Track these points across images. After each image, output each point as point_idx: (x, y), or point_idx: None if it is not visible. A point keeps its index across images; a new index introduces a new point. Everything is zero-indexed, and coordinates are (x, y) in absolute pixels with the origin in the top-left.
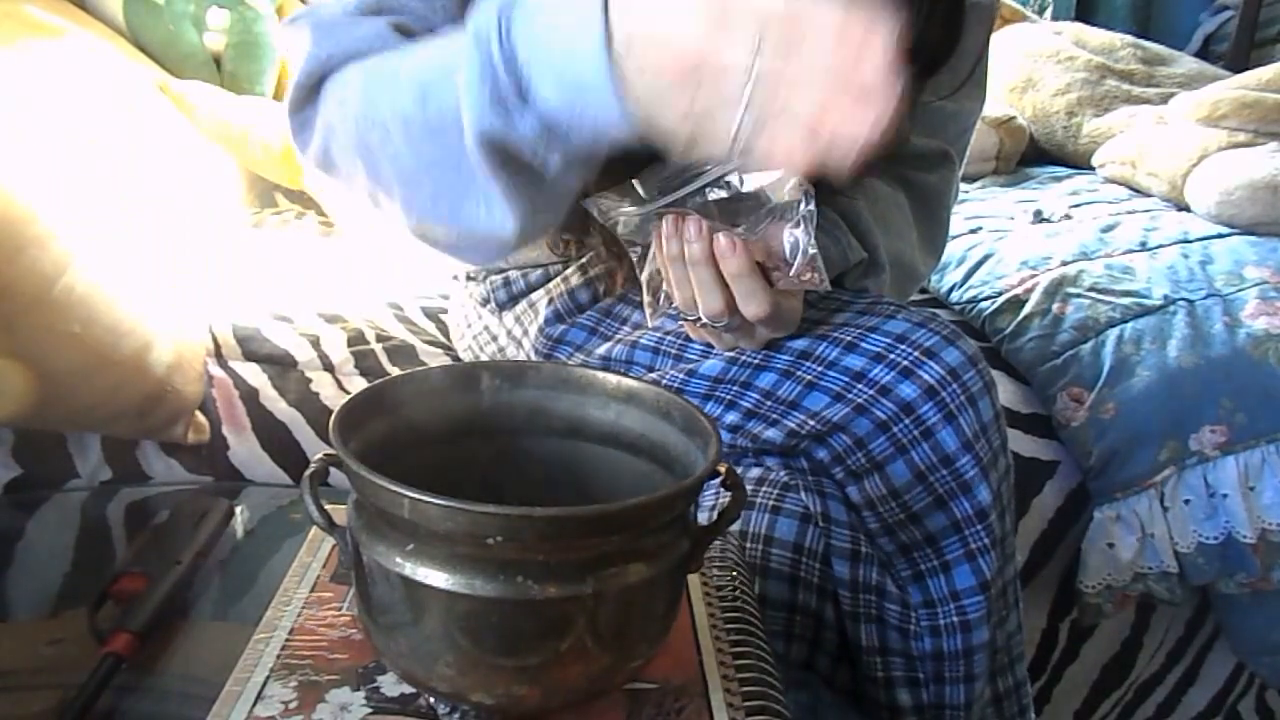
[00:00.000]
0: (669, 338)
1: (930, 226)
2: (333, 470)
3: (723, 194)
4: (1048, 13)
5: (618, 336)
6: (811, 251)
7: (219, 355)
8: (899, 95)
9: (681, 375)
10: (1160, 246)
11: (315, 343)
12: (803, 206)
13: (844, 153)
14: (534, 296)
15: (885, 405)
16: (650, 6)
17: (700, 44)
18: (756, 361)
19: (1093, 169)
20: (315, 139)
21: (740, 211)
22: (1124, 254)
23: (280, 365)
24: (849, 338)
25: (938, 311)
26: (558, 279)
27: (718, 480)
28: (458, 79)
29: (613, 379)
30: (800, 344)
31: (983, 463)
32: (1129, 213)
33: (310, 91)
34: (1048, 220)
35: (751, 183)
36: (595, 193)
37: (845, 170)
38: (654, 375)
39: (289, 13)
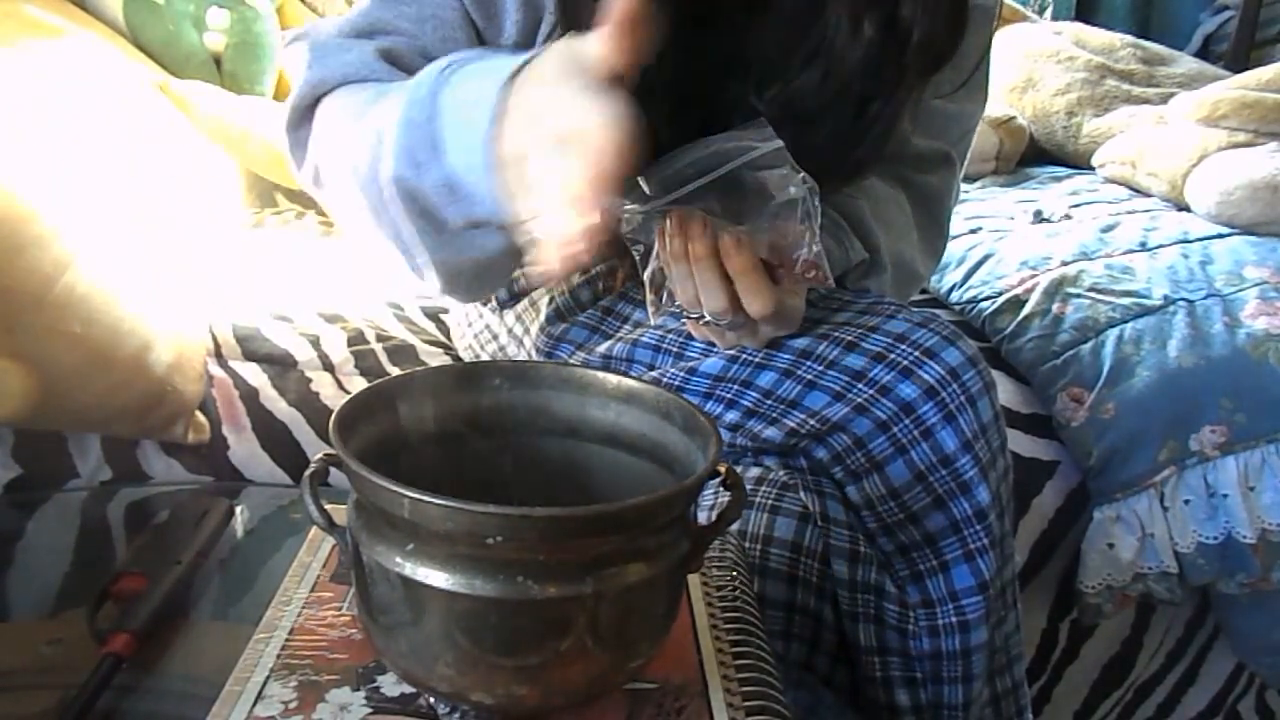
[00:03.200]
0: (670, 336)
1: (930, 228)
2: (333, 470)
3: (728, 191)
4: (1048, 13)
5: (619, 334)
6: (816, 249)
7: (219, 355)
8: (605, 210)
9: (682, 373)
10: (1160, 246)
11: (315, 343)
12: (807, 204)
13: (555, 255)
14: (535, 295)
15: (885, 405)
16: (518, 97)
17: (525, 140)
18: (757, 360)
19: (1093, 169)
20: (308, 159)
21: (745, 209)
22: (1124, 254)
23: (280, 365)
24: (849, 337)
25: (938, 312)
26: None
27: (718, 480)
28: (387, 125)
29: (612, 379)
30: (801, 343)
31: (982, 463)
32: (1129, 213)
33: (305, 113)
34: (1048, 220)
35: (756, 180)
36: None
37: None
38: (655, 373)
39: (289, 13)
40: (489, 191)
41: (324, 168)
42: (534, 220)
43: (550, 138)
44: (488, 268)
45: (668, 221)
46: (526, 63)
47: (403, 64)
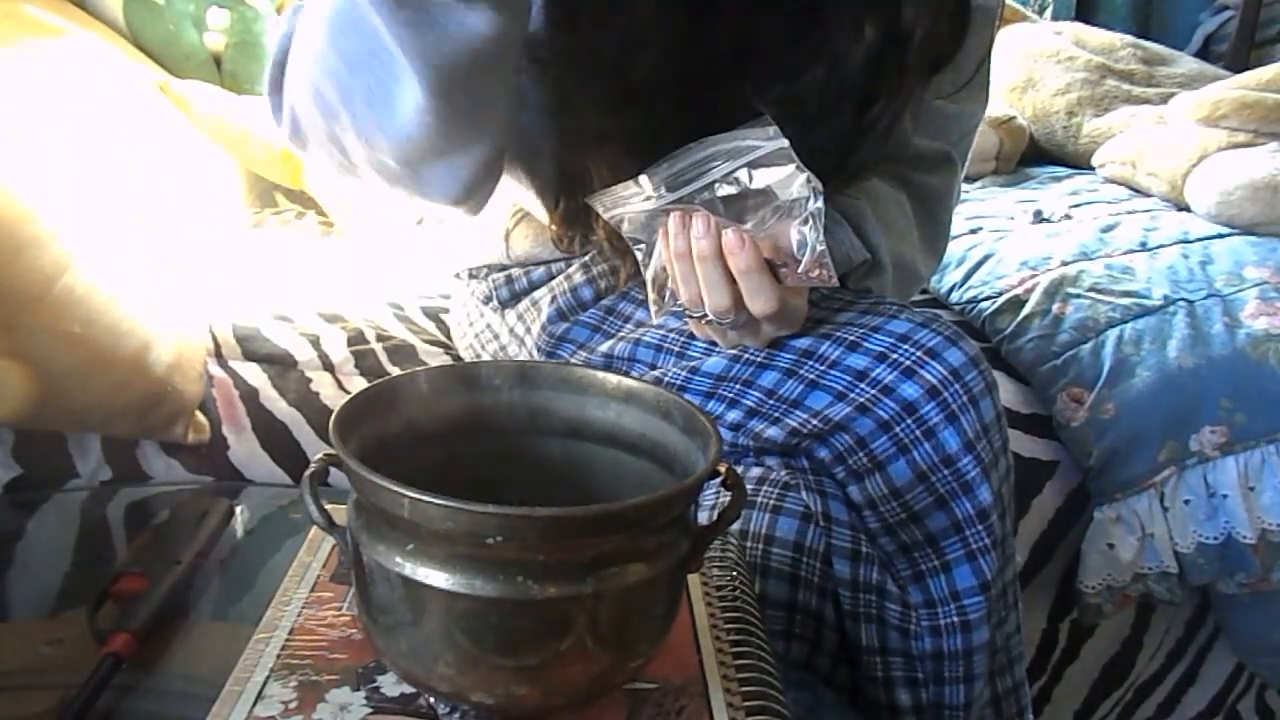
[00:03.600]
0: (672, 335)
1: (931, 228)
2: (333, 470)
3: (731, 190)
4: (1048, 13)
5: (621, 334)
6: (820, 248)
7: (219, 355)
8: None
9: (684, 373)
10: (1160, 246)
11: (315, 343)
12: (811, 203)
13: None
14: (537, 294)
15: (887, 405)
16: None
17: None
18: (759, 360)
19: (1093, 169)
20: (284, 108)
21: (748, 208)
22: (1124, 254)
23: (280, 365)
24: (852, 337)
25: (939, 312)
26: (560, 276)
27: (718, 480)
28: None
29: (613, 379)
30: (803, 343)
31: (984, 463)
32: (1129, 213)
33: (283, 69)
34: (1048, 220)
35: (760, 179)
36: (601, 189)
37: None
38: (656, 373)
39: None
40: None
41: (297, 99)
42: None
43: None
44: (480, 66)
45: (671, 220)
46: None
47: None
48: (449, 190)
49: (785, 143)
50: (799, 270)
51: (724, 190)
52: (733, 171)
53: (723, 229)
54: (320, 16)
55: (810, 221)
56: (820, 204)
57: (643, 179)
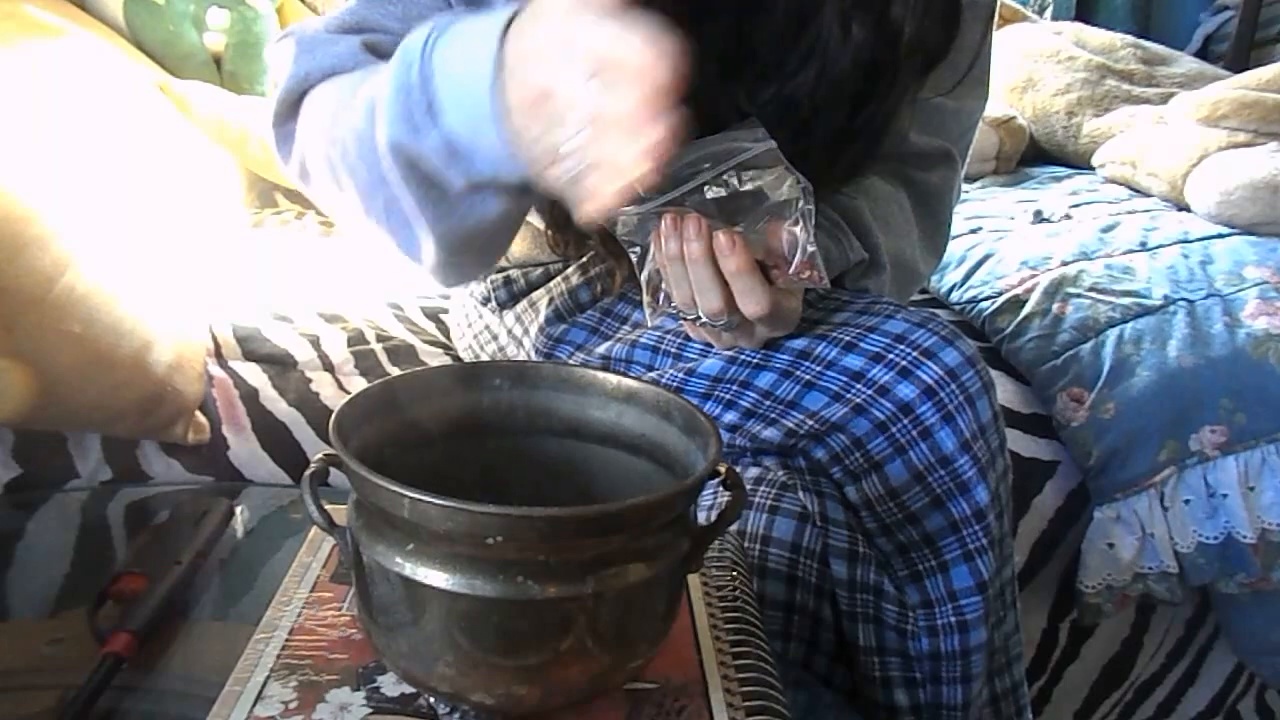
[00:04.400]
0: (669, 337)
1: (931, 226)
2: (333, 470)
3: (721, 192)
4: (1048, 13)
5: (618, 335)
6: (810, 249)
7: (219, 355)
8: (666, 133)
9: (680, 374)
10: (1160, 246)
11: (315, 343)
12: (801, 204)
13: (612, 185)
14: (535, 296)
15: (883, 405)
16: (522, 40)
17: (546, 77)
18: (755, 361)
19: (1093, 169)
20: (294, 152)
21: (739, 210)
22: (1124, 254)
23: (280, 365)
24: (848, 337)
25: (937, 312)
26: (558, 278)
27: (718, 480)
28: (379, 92)
29: (613, 379)
30: (799, 343)
31: (981, 463)
32: (1129, 213)
33: (291, 107)
34: (1048, 220)
35: (750, 181)
36: None
37: (607, 205)
38: (653, 374)
39: (289, 13)
40: (492, 146)
41: (310, 157)
42: (574, 156)
43: (583, 68)
44: (489, 236)
45: (663, 223)
46: (517, 13)
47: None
48: (449, 284)
49: (773, 144)
50: (790, 271)
51: (715, 192)
52: (722, 173)
53: (714, 231)
54: (349, 119)
55: (801, 222)
56: (810, 205)
57: None
